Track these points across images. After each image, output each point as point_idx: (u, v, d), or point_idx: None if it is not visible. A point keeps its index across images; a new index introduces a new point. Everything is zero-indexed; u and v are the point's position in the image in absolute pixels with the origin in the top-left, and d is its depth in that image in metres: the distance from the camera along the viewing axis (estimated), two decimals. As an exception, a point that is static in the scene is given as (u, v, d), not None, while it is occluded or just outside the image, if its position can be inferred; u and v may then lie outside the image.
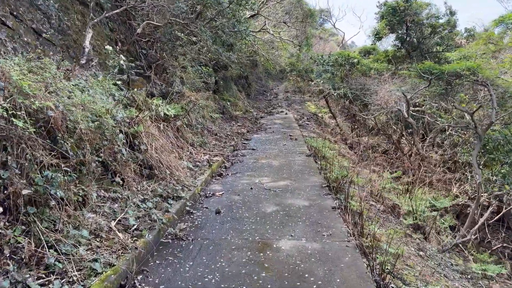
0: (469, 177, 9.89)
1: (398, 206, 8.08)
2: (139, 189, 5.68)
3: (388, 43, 19.06)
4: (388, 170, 10.23)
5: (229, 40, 14.65)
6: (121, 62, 6.62)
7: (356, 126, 15.77)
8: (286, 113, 19.87)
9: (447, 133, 12.00)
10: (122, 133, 5.56)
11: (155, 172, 6.38)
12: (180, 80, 12.12)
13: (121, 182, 5.41)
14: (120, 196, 5.08)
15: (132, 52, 10.90)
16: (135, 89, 9.11)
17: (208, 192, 6.60)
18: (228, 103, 16.08)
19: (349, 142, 16.93)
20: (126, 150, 5.68)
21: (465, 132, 10.52)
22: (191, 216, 5.46)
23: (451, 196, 9.31)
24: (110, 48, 7.08)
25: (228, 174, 7.90)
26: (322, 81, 14.07)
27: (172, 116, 8.52)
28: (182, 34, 11.14)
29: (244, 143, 11.81)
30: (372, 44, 15.79)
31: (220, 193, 6.56)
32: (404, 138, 13.19)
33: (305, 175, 7.73)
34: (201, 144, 9.81)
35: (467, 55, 11.39)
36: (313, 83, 14.94)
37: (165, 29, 10.62)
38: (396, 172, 10.15)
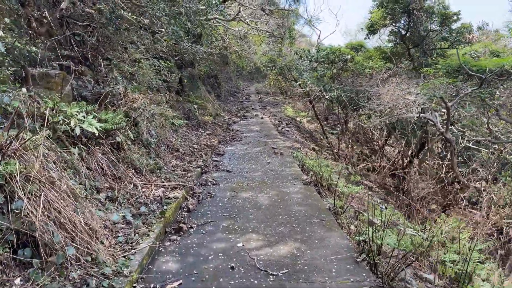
0: None
1: None
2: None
3: (376, 39, 16.51)
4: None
5: (195, 30, 11.39)
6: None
7: (346, 135, 12.99)
8: (261, 117, 16.82)
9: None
10: None
11: (42, 252, 3.12)
12: (130, 77, 8.80)
13: None
14: None
15: (58, 36, 7.41)
16: (49, 90, 5.81)
17: (153, 284, 3.38)
18: (195, 106, 12.81)
19: (335, 152, 14.14)
20: None
21: (501, 149, 7.95)
22: None
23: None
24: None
25: (191, 228, 4.69)
26: (309, 81, 11.16)
27: (102, 131, 5.22)
28: (128, 14, 7.77)
29: (216, 161, 8.62)
30: (366, 38, 13.17)
31: (176, 284, 3.37)
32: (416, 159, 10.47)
33: (316, 226, 4.68)
34: (154, 169, 6.52)
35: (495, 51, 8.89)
36: (298, 83, 12.00)
37: (103, 4, 7.25)
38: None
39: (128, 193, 5.35)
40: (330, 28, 79.92)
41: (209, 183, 6.75)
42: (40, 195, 3.20)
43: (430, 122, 8.58)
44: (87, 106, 5.21)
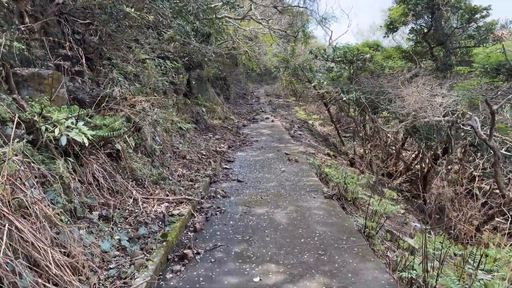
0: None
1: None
2: None
3: (389, 40, 15.62)
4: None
5: (204, 29, 10.69)
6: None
7: (364, 140, 12.12)
8: (272, 120, 16.05)
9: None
10: None
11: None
12: (134, 79, 8.14)
13: None
14: None
15: (55, 33, 6.75)
16: (41, 92, 5.19)
17: None
18: (204, 109, 12.10)
19: (351, 157, 13.28)
20: None
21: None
22: None
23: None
24: None
25: (198, 254, 3.93)
26: (325, 82, 10.36)
27: (98, 139, 4.50)
28: (132, 10, 7.08)
29: (226, 169, 7.87)
30: (385, 36, 12.30)
31: None
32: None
33: (346, 254, 3.88)
34: (157, 180, 5.79)
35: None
36: (312, 84, 11.20)
37: (103, -1, 6.58)
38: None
39: (127, 210, 4.62)
40: (341, 29, 78.15)
41: (219, 196, 5.99)
42: (4, 225, 2.47)
43: (462, 127, 7.72)
44: (80, 110, 4.51)
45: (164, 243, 3.92)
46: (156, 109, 6.34)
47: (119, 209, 4.55)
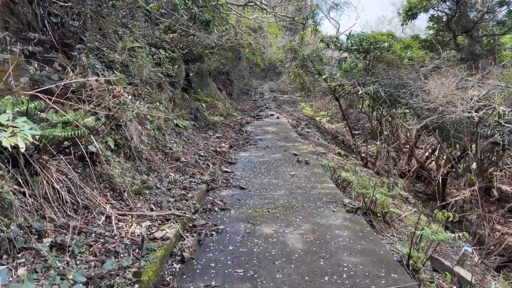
0: None
1: None
2: None
3: (399, 32, 14.35)
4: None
5: (203, 16, 9.50)
6: None
7: (381, 138, 10.90)
8: (277, 117, 14.85)
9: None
10: None
11: None
12: (123, 69, 7.02)
13: None
14: None
15: (24, 14, 5.64)
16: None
17: None
18: (204, 104, 10.93)
19: (364, 157, 12.09)
20: None
21: None
22: None
23: None
24: None
25: (183, 303, 2.79)
26: (338, 74, 9.15)
27: (56, 142, 3.37)
28: (115, -14, 5.95)
29: (226, 172, 6.72)
30: (404, 25, 10.99)
31: None
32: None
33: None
34: (141, 189, 4.64)
35: None
36: (323, 77, 9.97)
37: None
38: None
39: (93, 234, 3.48)
40: (348, 23, 75.70)
41: (216, 208, 4.84)
42: None
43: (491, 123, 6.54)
44: (29, 103, 3.36)
45: (137, 285, 2.78)
46: (138, 103, 5.17)
47: (83, 232, 3.41)
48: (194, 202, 4.75)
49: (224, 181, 6.17)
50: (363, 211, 4.58)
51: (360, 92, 8.22)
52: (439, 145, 10.60)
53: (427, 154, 15.96)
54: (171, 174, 5.73)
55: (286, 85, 21.79)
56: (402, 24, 11.19)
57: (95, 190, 4.28)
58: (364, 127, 17.22)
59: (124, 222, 3.88)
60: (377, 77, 8.75)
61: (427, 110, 7.94)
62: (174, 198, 4.79)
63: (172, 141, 7.51)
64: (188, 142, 8.17)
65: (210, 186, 5.76)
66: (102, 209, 3.91)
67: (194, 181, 5.65)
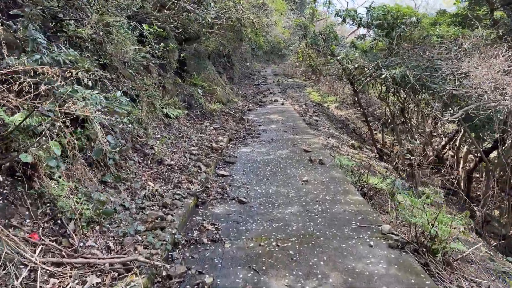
0: None
1: None
2: None
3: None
4: None
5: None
6: None
7: (405, 130, 9.36)
8: (282, 103, 13.29)
9: None
10: None
11: None
12: (96, 48, 5.58)
13: None
14: None
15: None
16: None
17: None
18: (199, 90, 9.38)
19: (379, 148, 10.60)
20: None
21: None
22: None
23: None
24: None
25: None
26: (356, 54, 7.56)
27: None
28: None
29: (222, 176, 5.27)
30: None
31: None
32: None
33: None
34: (95, 216, 3.19)
35: None
36: (339, 57, 8.34)
37: None
38: None
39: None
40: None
41: (205, 238, 3.40)
42: None
43: None
44: None
45: None
46: (89, 92, 3.62)
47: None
48: (174, 231, 3.31)
49: (219, 190, 4.72)
50: (412, 247, 3.13)
51: (383, 76, 6.66)
52: (459, 134, 9.09)
53: (443, 143, 14.45)
54: (149, 183, 4.28)
55: (292, 68, 20.00)
56: None
57: (27, 221, 2.85)
58: (376, 114, 15.64)
59: (57, 279, 2.46)
60: (402, 58, 7.16)
61: (466, 97, 6.39)
62: (146, 225, 3.35)
63: (158, 136, 6.03)
64: (179, 136, 6.68)
65: (199, 200, 4.31)
66: (28, 256, 2.47)
67: (179, 193, 4.20)
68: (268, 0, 12.36)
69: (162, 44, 6.40)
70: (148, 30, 6.19)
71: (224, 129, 8.32)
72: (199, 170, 5.12)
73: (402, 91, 7.10)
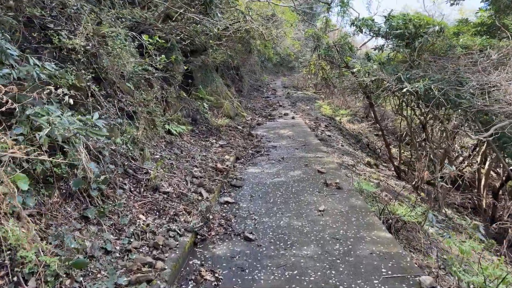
0: None
1: None
2: None
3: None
4: None
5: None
6: None
7: (421, 144, 8.60)
8: (292, 117, 12.66)
9: None
10: None
11: None
12: (90, 61, 5.09)
13: None
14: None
15: None
16: None
17: None
18: (206, 105, 8.81)
19: (396, 165, 9.81)
20: None
21: None
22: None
23: None
24: None
25: None
26: (374, 66, 6.89)
27: None
28: None
29: (227, 205, 4.61)
30: (454, 4, 8.49)
31: None
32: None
33: None
34: (61, 273, 2.54)
35: None
36: (354, 69, 7.68)
37: None
38: None
39: None
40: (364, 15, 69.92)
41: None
42: None
43: None
44: None
45: None
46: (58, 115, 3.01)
47: None
48: (164, 285, 2.64)
49: (223, 222, 4.05)
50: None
51: (405, 89, 5.98)
52: (480, 150, 8.32)
53: (461, 158, 13.55)
54: (140, 217, 3.64)
55: (303, 81, 19.37)
56: (452, 4, 8.69)
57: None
58: (389, 128, 14.87)
59: None
60: (424, 71, 6.47)
61: (500, 113, 5.65)
62: (130, 275, 2.69)
63: (157, 156, 5.43)
64: (181, 156, 6.07)
65: (198, 237, 3.65)
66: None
67: (175, 229, 3.54)
68: (278, 11, 11.83)
69: (163, 56, 5.84)
70: (149, 41, 5.64)
71: (231, 146, 7.69)
72: (200, 198, 4.47)
73: (424, 105, 6.38)
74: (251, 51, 15.47)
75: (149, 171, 4.52)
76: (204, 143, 7.48)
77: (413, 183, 9.01)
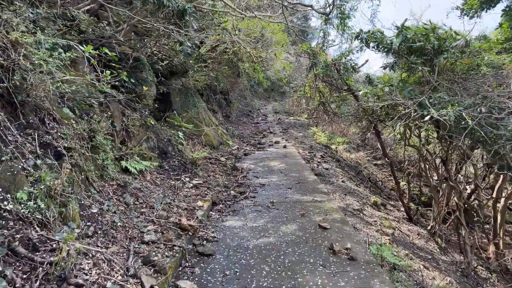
0: None
1: None
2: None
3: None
4: None
5: (176, 3, 5.87)
6: None
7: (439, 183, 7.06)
8: (284, 146, 11.09)
9: None
10: None
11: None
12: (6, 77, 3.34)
13: None
14: None
15: None
16: None
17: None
18: (181, 134, 7.17)
19: (407, 206, 8.18)
20: None
21: None
22: None
23: None
24: None
25: None
26: (386, 89, 5.41)
27: None
28: None
29: (184, 295, 2.89)
30: (473, 17, 7.09)
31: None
32: None
33: None
34: None
35: None
36: (361, 92, 6.20)
37: None
38: None
39: None
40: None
41: None
42: None
43: None
44: None
45: None
46: None
47: None
48: None
49: None
50: None
51: (428, 118, 4.49)
52: (496, 183, 6.80)
53: (469, 190, 12.01)
54: None
55: (294, 106, 17.98)
56: (472, 17, 7.40)
57: None
58: (392, 158, 13.34)
59: None
60: (449, 94, 5.01)
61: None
62: None
63: (94, 210, 3.72)
64: (134, 205, 4.36)
65: None
66: None
67: None
68: (268, 31, 10.50)
69: (107, 72, 4.25)
70: (89, 52, 4.04)
71: (207, 186, 6.01)
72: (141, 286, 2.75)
73: (449, 137, 4.92)
74: (239, 74, 14.08)
75: (60, 242, 2.80)
76: (173, 182, 5.78)
77: (429, 227, 7.37)
